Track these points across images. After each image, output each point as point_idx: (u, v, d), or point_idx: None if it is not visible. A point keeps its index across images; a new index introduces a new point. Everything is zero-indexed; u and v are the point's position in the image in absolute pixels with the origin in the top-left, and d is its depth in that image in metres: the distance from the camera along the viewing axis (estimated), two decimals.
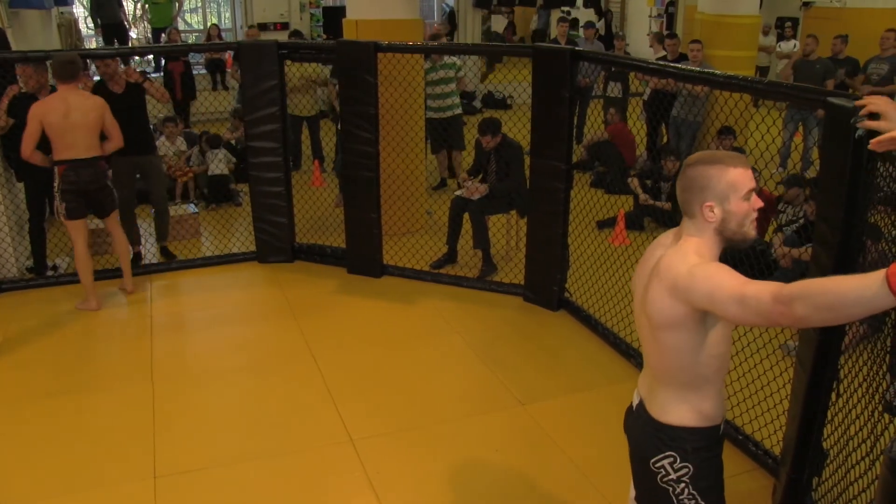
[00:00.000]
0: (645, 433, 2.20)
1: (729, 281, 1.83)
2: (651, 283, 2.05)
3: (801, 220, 5.85)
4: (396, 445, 3.86)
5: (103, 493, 3.50)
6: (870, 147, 2.20)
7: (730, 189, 1.99)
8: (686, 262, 1.97)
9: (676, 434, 2.13)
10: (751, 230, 2.04)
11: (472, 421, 4.10)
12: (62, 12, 10.35)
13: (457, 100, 8.13)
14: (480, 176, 6.28)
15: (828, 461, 3.11)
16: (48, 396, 4.31)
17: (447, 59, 7.84)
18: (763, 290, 1.73)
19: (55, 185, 5.20)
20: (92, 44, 13.44)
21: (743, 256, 5.33)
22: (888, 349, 2.71)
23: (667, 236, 2.19)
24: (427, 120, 7.94)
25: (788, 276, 5.57)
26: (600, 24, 15.23)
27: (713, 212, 2.00)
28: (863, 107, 2.50)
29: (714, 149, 7.78)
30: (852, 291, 1.57)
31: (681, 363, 2.07)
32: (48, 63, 5.53)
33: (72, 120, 5.04)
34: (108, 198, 5.34)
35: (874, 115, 2.37)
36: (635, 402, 2.31)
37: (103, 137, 5.27)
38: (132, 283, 5.66)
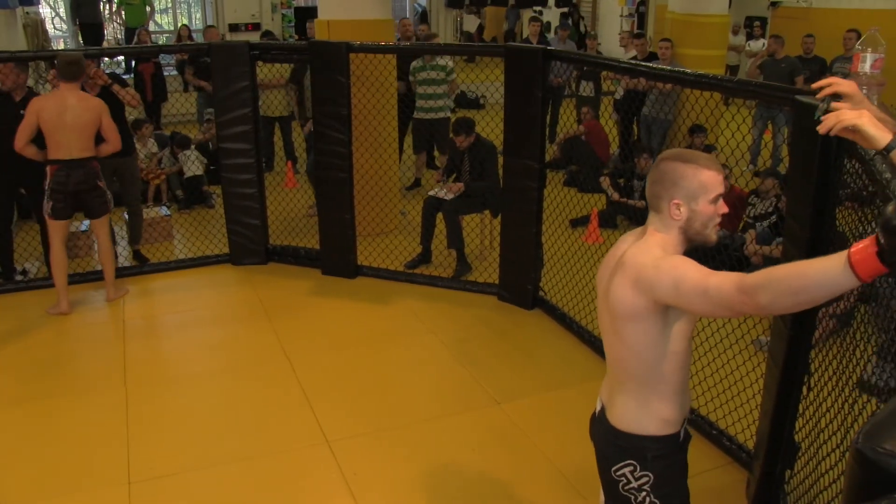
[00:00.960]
0: (606, 441, 2.19)
1: (693, 273, 1.84)
2: (615, 275, 2.04)
3: (774, 217, 5.94)
4: (373, 446, 3.85)
5: (77, 499, 3.45)
6: (820, 131, 2.11)
7: (700, 190, 1.98)
8: (650, 254, 1.97)
9: (635, 442, 2.12)
10: (713, 233, 2.04)
11: (449, 420, 4.10)
12: (28, 12, 10.19)
13: (445, 102, 8.09)
14: (454, 176, 6.30)
15: (800, 454, 3.15)
16: (20, 402, 4.25)
17: (438, 60, 7.84)
18: (726, 280, 1.75)
19: (45, 183, 5.16)
20: (60, 44, 13.27)
21: (714, 252, 5.40)
22: (871, 333, 2.72)
23: (632, 233, 2.19)
24: (414, 119, 7.95)
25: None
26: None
27: (679, 210, 2.00)
28: (821, 89, 2.43)
29: (686, 146, 7.86)
30: (815, 274, 1.58)
31: (641, 358, 2.05)
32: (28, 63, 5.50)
33: (65, 119, 5.03)
34: (97, 199, 5.29)
35: (837, 97, 2.28)
36: (598, 409, 2.29)
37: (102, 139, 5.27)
38: (115, 290, 5.59)
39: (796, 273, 1.62)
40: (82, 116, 5.09)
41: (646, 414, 2.10)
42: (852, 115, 1.94)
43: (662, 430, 2.11)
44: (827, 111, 2.06)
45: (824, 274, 1.57)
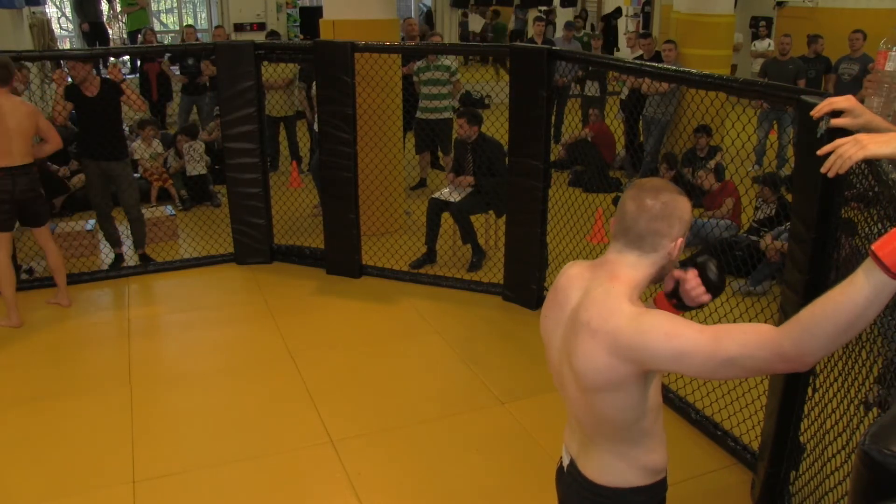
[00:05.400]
0: (582, 498, 1.94)
1: (697, 339, 1.58)
2: (579, 337, 1.76)
3: (785, 225, 5.94)
4: (377, 446, 3.85)
5: (81, 498, 3.46)
6: (829, 175, 1.97)
7: (689, 224, 1.81)
8: (622, 312, 1.70)
9: (620, 496, 1.88)
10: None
11: (453, 420, 4.10)
12: (34, 12, 10.24)
13: (448, 103, 8.07)
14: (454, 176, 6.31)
15: (805, 455, 3.14)
16: (24, 401, 4.26)
17: (442, 60, 7.83)
18: (756, 347, 1.52)
19: None
20: (66, 44, 13.33)
21: (722, 250, 5.39)
22: (874, 357, 2.69)
23: (581, 269, 1.90)
24: (416, 119, 7.95)
25: (773, 267, 5.62)
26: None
27: (678, 247, 1.78)
28: (824, 118, 2.37)
29: (691, 147, 7.85)
30: (844, 297, 1.39)
31: (619, 422, 1.81)
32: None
33: (7, 126, 4.81)
34: (42, 207, 5.12)
35: (836, 114, 2.24)
36: (566, 462, 2.03)
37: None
38: (68, 298, 5.43)
39: (826, 309, 1.42)
40: (23, 122, 4.88)
41: (628, 466, 1.87)
42: (855, 150, 1.88)
43: (649, 480, 1.90)
44: (827, 129, 2.05)
45: (853, 287, 1.38)
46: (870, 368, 2.57)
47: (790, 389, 3.11)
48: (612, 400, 1.76)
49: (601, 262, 1.84)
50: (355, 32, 5.95)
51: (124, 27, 13.13)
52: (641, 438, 1.85)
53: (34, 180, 5.03)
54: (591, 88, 9.89)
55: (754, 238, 5.90)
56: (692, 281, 1.84)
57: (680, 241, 1.77)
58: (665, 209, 1.75)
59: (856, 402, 2.62)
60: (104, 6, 12.98)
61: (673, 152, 7.86)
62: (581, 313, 1.77)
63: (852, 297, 1.38)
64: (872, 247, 1.35)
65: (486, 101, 12.75)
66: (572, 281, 1.88)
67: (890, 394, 2.63)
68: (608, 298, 1.73)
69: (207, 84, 9.63)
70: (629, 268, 1.78)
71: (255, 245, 6.20)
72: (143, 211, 6.34)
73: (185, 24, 14.55)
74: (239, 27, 14.27)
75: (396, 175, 6.67)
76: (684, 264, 1.86)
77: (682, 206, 1.77)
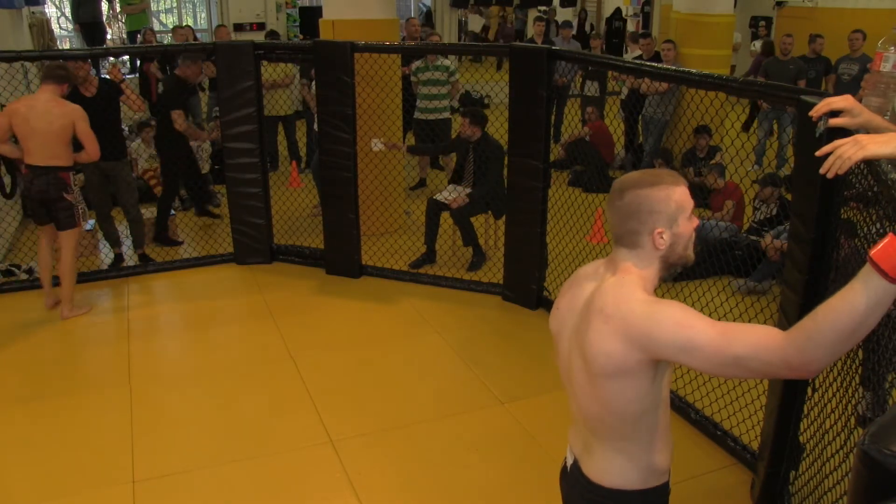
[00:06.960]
0: (584, 499, 1.94)
1: (708, 333, 1.59)
2: (592, 323, 1.77)
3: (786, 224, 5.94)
4: (377, 446, 3.85)
5: (81, 498, 3.46)
6: (828, 176, 1.99)
7: (678, 210, 1.79)
8: (636, 299, 1.72)
9: (623, 499, 1.87)
10: (692, 252, 1.85)
11: (453, 420, 4.10)
12: (34, 12, 10.22)
13: (446, 103, 8.05)
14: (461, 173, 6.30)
15: (804, 455, 3.15)
16: (25, 401, 4.26)
17: (441, 60, 7.82)
18: (764, 351, 1.52)
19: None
20: (65, 44, 13.31)
21: (720, 251, 5.39)
22: (860, 360, 2.71)
23: (593, 268, 1.94)
24: (414, 120, 7.94)
25: (774, 267, 5.62)
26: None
27: (663, 238, 1.77)
28: (822, 118, 2.38)
29: (690, 147, 7.85)
30: (844, 304, 1.41)
31: (626, 415, 1.80)
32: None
33: (32, 125, 4.85)
34: (63, 212, 5.03)
35: (835, 114, 2.25)
36: (569, 462, 2.03)
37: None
38: (69, 309, 5.25)
39: (828, 317, 1.43)
40: (52, 123, 4.87)
41: (633, 467, 1.86)
42: (854, 151, 1.90)
43: (652, 482, 1.88)
44: (826, 129, 2.05)
45: (850, 297, 1.40)
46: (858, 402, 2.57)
47: (790, 389, 3.11)
48: (619, 388, 1.76)
49: (610, 259, 1.88)
50: (355, 32, 5.95)
51: (123, 27, 13.11)
52: (647, 435, 1.84)
53: (52, 183, 4.96)
54: (591, 88, 9.89)
55: (754, 238, 5.91)
56: None
57: (658, 231, 1.77)
58: (630, 207, 1.79)
59: (853, 402, 2.62)
60: (104, 6, 12.96)
61: (668, 149, 7.86)
62: (595, 300, 1.79)
63: (853, 303, 1.39)
64: (870, 253, 1.37)
65: (486, 101, 12.75)
66: (588, 274, 1.93)
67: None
68: (622, 287, 1.76)
69: (195, 86, 9.61)
70: (631, 262, 1.82)
71: (254, 245, 6.20)
72: (143, 211, 6.34)
73: (184, 24, 14.53)
74: (238, 27, 14.26)
75: (396, 175, 6.67)
76: None
77: (653, 198, 1.77)
